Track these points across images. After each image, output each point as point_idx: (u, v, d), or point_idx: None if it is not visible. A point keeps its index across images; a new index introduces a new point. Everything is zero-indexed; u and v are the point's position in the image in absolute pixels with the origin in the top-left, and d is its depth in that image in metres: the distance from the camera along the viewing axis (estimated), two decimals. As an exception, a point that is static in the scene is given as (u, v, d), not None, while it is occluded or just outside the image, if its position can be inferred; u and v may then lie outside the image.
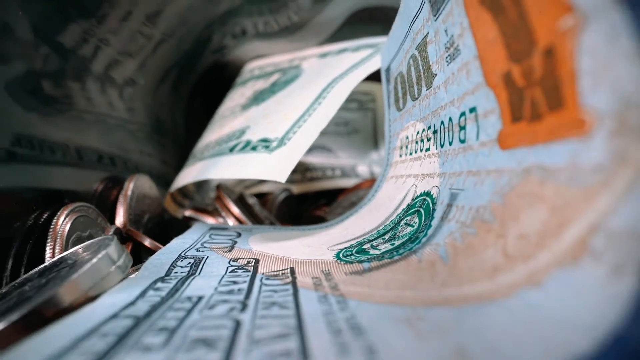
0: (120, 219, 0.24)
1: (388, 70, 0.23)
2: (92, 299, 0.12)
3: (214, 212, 0.28)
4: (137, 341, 0.08)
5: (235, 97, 0.36)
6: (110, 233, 0.21)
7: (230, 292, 0.11)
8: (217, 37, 0.41)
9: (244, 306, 0.10)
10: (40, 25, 0.24)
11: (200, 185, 0.37)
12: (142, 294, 0.11)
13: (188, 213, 0.28)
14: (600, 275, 0.07)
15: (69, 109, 0.25)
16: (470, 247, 0.11)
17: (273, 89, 0.31)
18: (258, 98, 0.31)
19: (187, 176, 0.28)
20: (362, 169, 0.38)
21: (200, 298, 0.11)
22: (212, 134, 0.31)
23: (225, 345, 0.08)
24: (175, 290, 0.12)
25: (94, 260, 0.12)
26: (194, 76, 0.44)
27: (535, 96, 0.09)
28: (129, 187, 0.25)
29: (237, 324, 0.09)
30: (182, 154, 0.41)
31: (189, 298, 0.11)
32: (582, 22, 0.07)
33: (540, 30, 0.08)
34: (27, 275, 0.15)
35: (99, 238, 0.15)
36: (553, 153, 0.09)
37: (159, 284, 0.13)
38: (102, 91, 0.31)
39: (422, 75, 0.17)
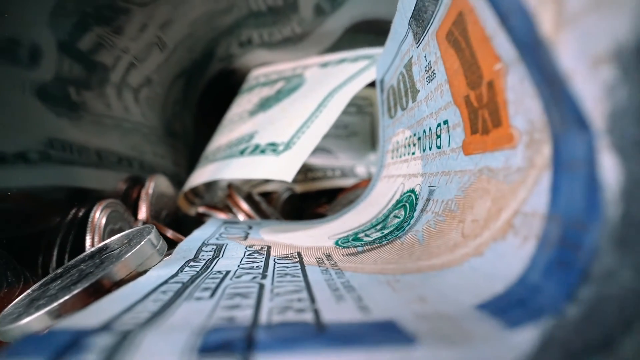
0: (142, 214, 0.27)
1: (382, 81, 0.26)
2: (140, 274, 0.15)
3: (224, 209, 0.31)
4: (190, 295, 0.11)
5: (243, 103, 0.39)
6: (140, 225, 0.24)
7: (251, 267, 0.15)
8: (224, 46, 0.45)
9: (263, 276, 0.13)
10: (65, 38, 0.27)
11: (210, 185, 0.40)
12: (181, 269, 0.15)
13: (202, 210, 0.31)
14: (516, 244, 0.10)
15: (92, 114, 0.28)
16: (440, 231, 0.14)
17: (278, 97, 0.34)
18: (264, 105, 0.34)
19: (201, 176, 0.31)
20: (361, 170, 0.41)
21: (227, 272, 0.14)
22: (223, 138, 0.34)
23: (255, 296, 0.11)
24: (206, 267, 0.15)
25: (141, 243, 0.15)
26: (202, 82, 0.47)
27: (485, 116, 0.12)
28: (150, 186, 0.28)
29: (261, 286, 0.12)
30: (191, 156, 0.44)
31: (219, 271, 0.14)
32: (506, 68, 0.10)
33: (484, 68, 0.11)
34: (77, 258, 0.18)
35: (139, 227, 0.18)
36: (496, 158, 0.12)
37: (192, 264, 0.16)
38: (119, 97, 0.34)
39: (409, 90, 0.20)
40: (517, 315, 0.08)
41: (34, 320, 0.12)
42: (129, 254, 0.15)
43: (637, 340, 0.07)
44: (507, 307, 0.08)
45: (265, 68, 0.43)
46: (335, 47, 0.41)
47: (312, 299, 0.10)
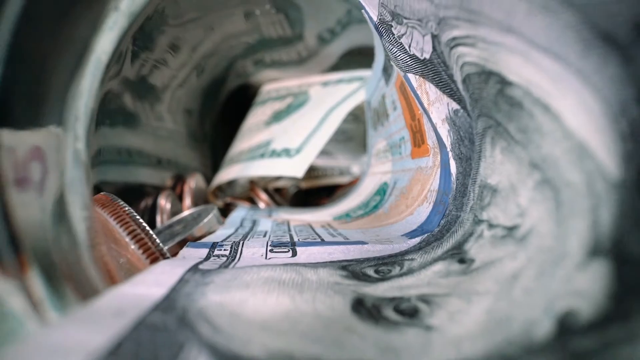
0: (188, 202, 0.36)
1: (369, 102, 0.36)
2: (209, 234, 0.24)
3: (247, 200, 0.41)
4: (251, 237, 0.21)
5: (258, 114, 0.49)
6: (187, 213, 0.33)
7: (279, 228, 0.24)
8: (240, 64, 0.54)
9: (289, 230, 0.23)
10: (115, 61, 0.36)
11: (231, 182, 0.49)
12: (236, 230, 0.24)
13: (229, 200, 0.40)
14: (426, 206, 0.19)
15: (139, 122, 0.38)
16: (397, 205, 0.23)
17: (288, 111, 0.43)
18: (277, 117, 0.44)
19: (228, 174, 0.40)
20: (356, 169, 0.50)
21: (266, 230, 0.24)
22: (244, 143, 0.44)
23: (288, 235, 0.20)
24: (251, 229, 0.24)
25: (210, 215, 0.25)
26: (222, 95, 0.57)
27: (418, 137, 0.22)
28: (192, 181, 0.38)
29: (290, 233, 0.21)
30: (214, 158, 0.54)
31: (261, 230, 0.24)
32: (421, 113, 0.20)
33: (414, 111, 0.21)
34: (164, 225, 0.28)
35: (203, 207, 0.27)
36: (423, 161, 0.21)
37: (239, 229, 0.25)
38: (153, 107, 0.44)
39: (384, 113, 0.29)
40: (416, 234, 0.17)
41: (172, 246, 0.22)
42: (204, 221, 0.24)
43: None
44: (414, 233, 0.18)
45: (275, 84, 0.53)
46: (334, 67, 0.50)
47: (318, 235, 0.20)
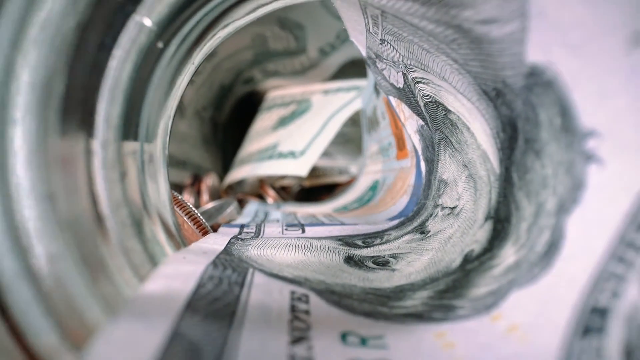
0: (206, 199, 0.42)
1: (364, 111, 0.42)
2: (230, 222, 0.30)
3: (256, 196, 0.46)
4: (267, 223, 0.26)
5: (265, 119, 0.54)
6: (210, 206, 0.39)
7: (289, 217, 0.30)
8: (247, 72, 0.60)
9: (297, 220, 0.28)
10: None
11: (240, 181, 0.55)
12: (253, 219, 0.30)
13: (240, 196, 0.46)
14: (405, 198, 0.25)
15: None
16: (384, 198, 0.29)
17: (292, 117, 0.49)
18: (283, 122, 0.49)
19: (239, 173, 0.46)
20: (353, 168, 0.56)
21: (278, 219, 0.29)
22: (253, 146, 0.50)
23: (297, 221, 0.26)
24: (264, 218, 0.30)
25: (231, 207, 0.30)
26: (231, 101, 0.63)
27: (400, 142, 0.27)
28: (208, 179, 0.43)
29: (298, 220, 0.27)
30: (224, 158, 0.59)
31: (273, 218, 0.29)
32: (402, 124, 0.25)
33: (397, 122, 0.27)
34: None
35: (224, 200, 0.33)
36: (405, 162, 0.27)
37: (255, 219, 0.31)
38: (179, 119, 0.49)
39: (376, 120, 0.35)
40: (395, 218, 0.23)
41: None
42: (227, 211, 0.30)
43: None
44: (395, 217, 0.24)
45: (280, 91, 0.58)
46: (334, 76, 0.56)
47: (321, 221, 0.25)
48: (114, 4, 0.09)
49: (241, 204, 0.47)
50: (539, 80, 0.10)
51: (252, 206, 0.37)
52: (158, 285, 0.09)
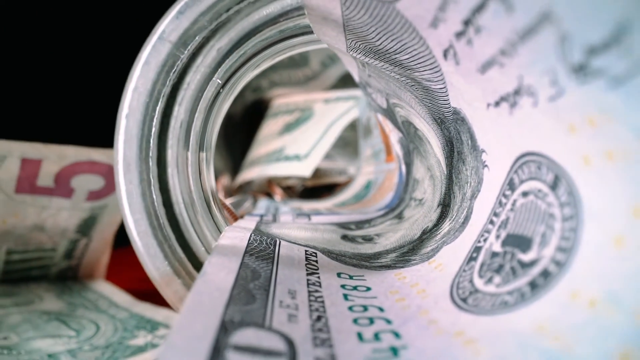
0: (221, 196, 0.48)
1: (360, 119, 0.48)
2: (248, 214, 0.37)
3: (265, 194, 0.53)
4: (280, 214, 0.33)
5: (271, 124, 0.61)
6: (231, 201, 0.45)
7: (295, 210, 0.36)
8: (255, 82, 0.66)
9: (305, 213, 0.35)
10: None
11: (249, 181, 0.61)
12: (267, 211, 0.36)
13: (250, 194, 0.53)
14: (391, 192, 0.31)
15: None
16: (376, 194, 0.36)
17: (297, 123, 0.56)
18: (288, 128, 0.56)
19: (249, 174, 0.53)
20: (351, 169, 0.63)
21: (288, 211, 0.36)
22: (261, 150, 0.56)
23: (306, 214, 0.32)
24: (276, 212, 0.37)
25: (248, 202, 0.37)
26: (240, 107, 0.69)
27: (388, 148, 0.34)
28: (224, 179, 0.50)
29: (307, 214, 0.33)
30: (234, 161, 0.66)
31: (284, 211, 0.36)
32: (388, 133, 0.32)
33: (385, 132, 0.33)
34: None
35: (240, 196, 0.39)
36: (392, 165, 0.33)
37: (268, 213, 0.37)
38: None
39: (370, 128, 0.42)
40: (382, 209, 0.30)
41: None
42: (245, 206, 0.36)
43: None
44: (382, 209, 0.30)
45: (284, 99, 0.65)
46: (335, 86, 0.63)
47: (319, 211, 0.32)
48: (206, 76, 0.16)
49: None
50: (458, 117, 0.16)
51: (264, 202, 0.44)
52: (227, 240, 0.16)
